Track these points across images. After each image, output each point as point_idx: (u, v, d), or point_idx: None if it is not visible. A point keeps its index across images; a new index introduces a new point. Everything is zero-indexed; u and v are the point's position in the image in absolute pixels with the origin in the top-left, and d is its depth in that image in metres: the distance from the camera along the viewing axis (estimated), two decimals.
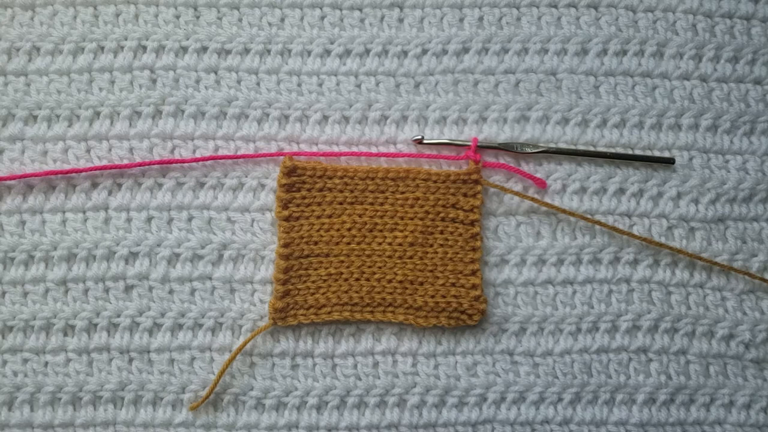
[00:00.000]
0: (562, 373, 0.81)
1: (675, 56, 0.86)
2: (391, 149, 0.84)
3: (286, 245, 0.80)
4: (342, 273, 0.80)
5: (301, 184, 0.81)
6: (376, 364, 0.81)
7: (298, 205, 0.80)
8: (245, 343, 0.78)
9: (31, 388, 0.79)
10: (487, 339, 0.81)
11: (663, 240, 0.83)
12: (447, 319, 0.80)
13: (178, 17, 0.85)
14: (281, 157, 0.81)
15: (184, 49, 0.84)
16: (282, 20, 0.85)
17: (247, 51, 0.84)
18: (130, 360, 0.80)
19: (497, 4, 0.86)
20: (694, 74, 0.86)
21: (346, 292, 0.80)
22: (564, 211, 0.82)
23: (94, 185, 0.82)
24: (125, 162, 0.82)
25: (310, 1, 0.85)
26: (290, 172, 0.80)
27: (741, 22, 0.88)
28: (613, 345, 0.82)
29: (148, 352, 0.80)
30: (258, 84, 0.84)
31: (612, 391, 0.81)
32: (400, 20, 0.86)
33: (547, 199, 0.83)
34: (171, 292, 0.81)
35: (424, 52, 0.85)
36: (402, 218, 0.81)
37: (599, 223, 0.82)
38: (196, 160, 0.81)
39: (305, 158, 0.82)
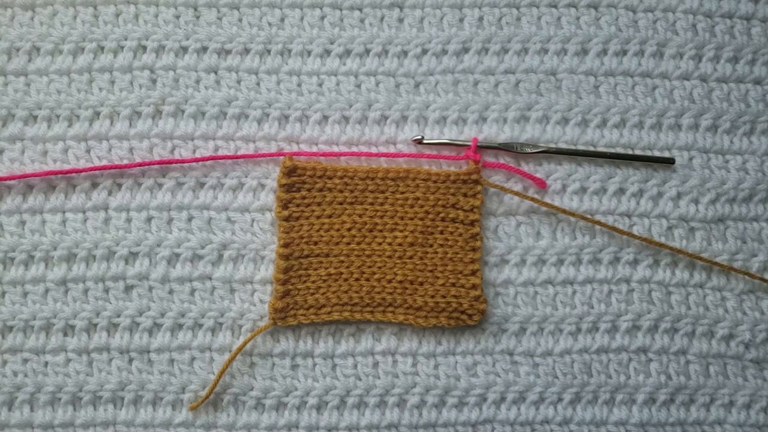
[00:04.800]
0: (562, 373, 0.81)
1: (675, 56, 0.86)
2: (391, 149, 0.84)
3: (286, 245, 0.80)
4: (342, 273, 0.80)
5: (301, 184, 0.81)
6: (376, 364, 0.81)
7: (298, 205, 0.80)
8: (245, 343, 0.78)
9: (31, 388, 0.79)
10: (487, 339, 0.81)
11: (663, 240, 0.83)
12: (447, 319, 0.80)
13: (178, 17, 0.85)
14: (281, 157, 0.81)
15: (184, 49, 0.84)
16: (282, 20, 0.85)
17: (247, 51, 0.84)
18: (130, 360, 0.80)
19: (497, 4, 0.86)
20: (694, 74, 0.86)
21: (346, 292, 0.80)
22: (564, 211, 0.82)
23: (94, 185, 0.82)
24: (125, 162, 0.82)
25: (310, 1, 0.85)
26: (290, 172, 0.80)
27: (741, 22, 0.88)
28: (613, 345, 0.82)
29: (148, 352, 0.80)
30: (258, 84, 0.84)
31: (612, 391, 0.81)
32: (400, 20, 0.86)
33: (547, 199, 0.83)
34: (171, 292, 0.81)
35: (424, 52, 0.85)
36: (402, 218, 0.81)
37: (599, 223, 0.82)
38: (196, 160, 0.81)
39: (305, 158, 0.82)
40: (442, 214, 0.81)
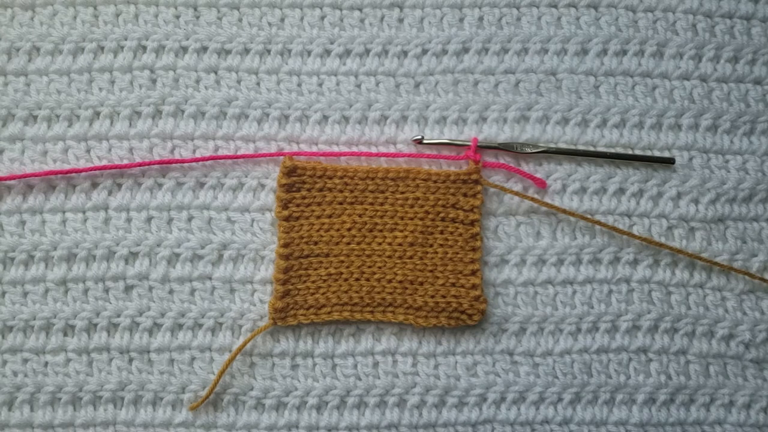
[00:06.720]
0: (562, 373, 0.81)
1: (675, 56, 0.86)
2: (391, 149, 0.84)
3: (286, 245, 0.80)
4: (342, 273, 0.80)
5: (301, 184, 0.81)
6: (376, 364, 0.81)
7: (298, 205, 0.80)
8: (245, 343, 0.78)
9: (31, 388, 0.79)
10: (487, 339, 0.81)
11: (663, 240, 0.83)
12: (447, 319, 0.80)
13: (178, 17, 0.85)
14: (281, 157, 0.81)
15: (184, 49, 0.84)
16: (282, 20, 0.85)
17: (247, 51, 0.84)
18: (130, 360, 0.80)
19: (497, 4, 0.86)
20: (694, 74, 0.86)
21: (346, 292, 0.80)
22: (564, 211, 0.82)
23: (94, 185, 0.82)
24: (125, 162, 0.82)
25: (310, 1, 0.85)
26: (290, 172, 0.80)
27: (741, 22, 0.88)
28: (613, 345, 0.82)
29: (148, 352, 0.80)
30: (258, 84, 0.84)
31: (612, 391, 0.81)
32: (400, 20, 0.86)
33: (547, 199, 0.83)
34: (171, 292, 0.81)
35: (424, 52, 0.85)
36: (402, 218, 0.81)
37: (599, 223, 0.82)
38: (196, 160, 0.81)
39: (305, 158, 0.82)
40: (442, 214, 0.81)
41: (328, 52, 0.85)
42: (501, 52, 0.85)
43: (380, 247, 0.80)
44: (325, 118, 0.83)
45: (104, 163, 0.82)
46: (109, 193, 0.82)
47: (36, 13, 0.84)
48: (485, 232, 0.83)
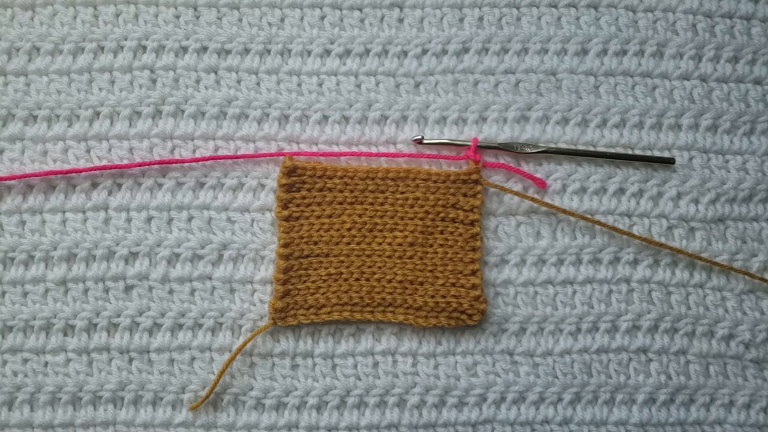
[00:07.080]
0: (562, 373, 0.81)
1: (675, 56, 0.86)
2: (391, 149, 0.84)
3: (286, 245, 0.80)
4: (342, 273, 0.80)
5: (301, 184, 0.81)
6: (376, 364, 0.81)
7: (298, 205, 0.80)
8: (245, 343, 0.78)
9: (31, 388, 0.79)
10: (487, 339, 0.81)
11: (663, 240, 0.83)
12: (447, 319, 0.80)
13: (178, 17, 0.85)
14: (281, 157, 0.81)
15: (184, 49, 0.84)
16: (282, 20, 0.85)
17: (247, 51, 0.84)
18: (130, 360, 0.80)
19: (497, 4, 0.86)
20: (694, 74, 0.86)
21: (346, 292, 0.80)
22: (564, 211, 0.82)
23: (94, 185, 0.82)
24: (125, 162, 0.82)
25: (310, 1, 0.85)
26: (290, 172, 0.80)
27: (741, 22, 0.88)
28: (613, 345, 0.82)
29: (148, 352, 0.80)
30: (258, 84, 0.84)
31: (612, 391, 0.81)
32: (400, 20, 0.86)
33: (547, 199, 0.83)
34: (171, 292, 0.81)
35: (424, 52, 0.85)
36: (402, 218, 0.81)
37: (599, 223, 0.82)
38: (196, 160, 0.81)
39: (305, 158, 0.82)
40: (442, 214, 0.81)
41: (328, 52, 0.85)
42: (501, 52, 0.85)
43: (380, 247, 0.80)
44: (325, 118, 0.83)
45: (104, 163, 0.82)
46: (109, 193, 0.82)
47: (36, 13, 0.84)
48: (485, 232, 0.83)
